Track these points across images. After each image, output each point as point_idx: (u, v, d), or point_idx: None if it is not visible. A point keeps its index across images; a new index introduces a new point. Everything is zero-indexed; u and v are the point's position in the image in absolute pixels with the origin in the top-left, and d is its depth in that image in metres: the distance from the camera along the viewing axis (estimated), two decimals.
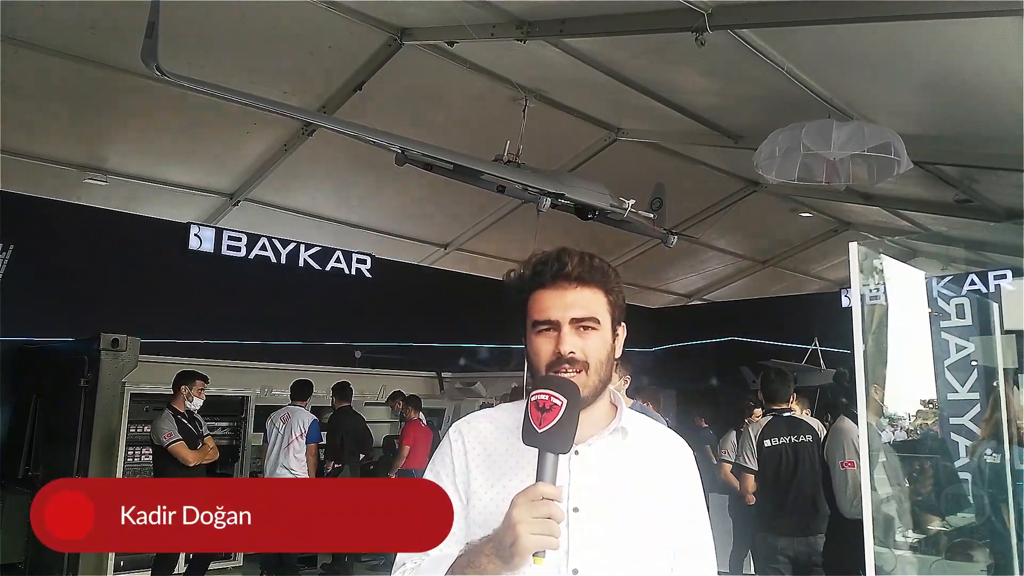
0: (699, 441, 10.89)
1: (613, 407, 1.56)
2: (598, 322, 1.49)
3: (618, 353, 1.54)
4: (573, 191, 6.51)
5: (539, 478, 1.32)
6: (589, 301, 1.49)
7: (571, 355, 1.44)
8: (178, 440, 6.12)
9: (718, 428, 9.87)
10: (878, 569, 2.12)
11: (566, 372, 1.44)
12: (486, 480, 1.48)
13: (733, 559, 7.06)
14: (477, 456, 1.51)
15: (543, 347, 1.47)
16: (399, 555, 1.47)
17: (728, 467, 6.32)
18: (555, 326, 1.46)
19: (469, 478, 1.49)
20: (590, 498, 1.41)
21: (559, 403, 1.35)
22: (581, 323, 1.47)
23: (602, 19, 5.61)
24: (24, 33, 5.79)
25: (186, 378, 6.44)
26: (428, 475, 1.54)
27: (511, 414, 1.55)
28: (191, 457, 6.14)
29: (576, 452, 1.45)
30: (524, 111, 6.71)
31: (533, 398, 1.36)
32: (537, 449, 1.35)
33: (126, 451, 7.43)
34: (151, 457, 6.74)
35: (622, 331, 1.56)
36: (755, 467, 4.99)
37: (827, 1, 4.83)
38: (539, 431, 1.34)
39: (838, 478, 4.25)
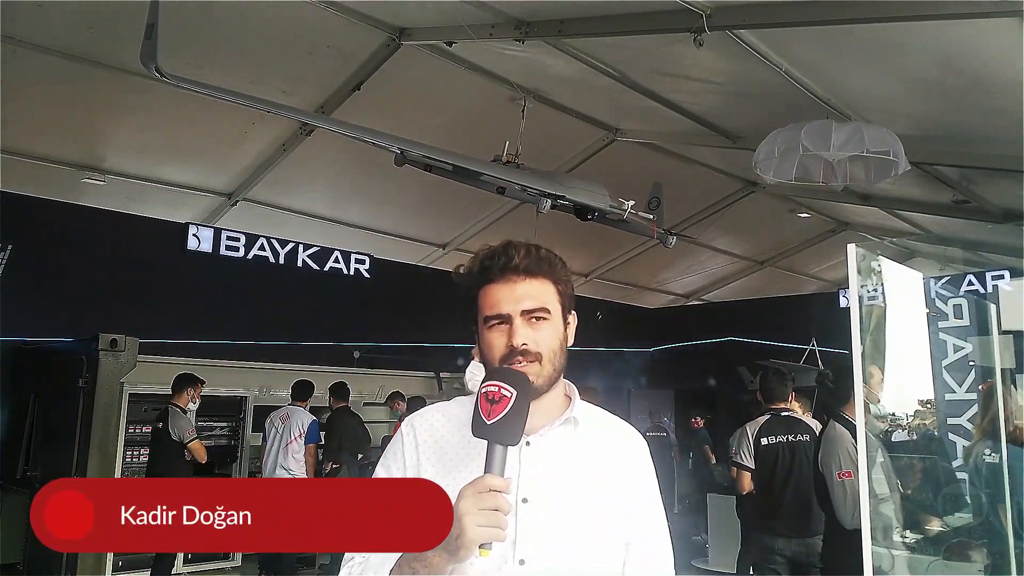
0: (697, 441, 10.93)
1: (567, 398, 1.57)
2: (549, 312, 1.50)
3: (570, 342, 1.55)
4: (573, 192, 6.51)
5: (487, 470, 1.33)
6: (539, 292, 1.50)
7: (524, 347, 1.46)
8: (197, 438, 6.55)
9: (721, 428, 9.90)
10: (876, 569, 2.12)
11: (519, 364, 1.44)
12: (437, 473, 1.47)
13: (740, 560, 7.06)
14: (428, 449, 1.52)
15: (496, 341, 1.48)
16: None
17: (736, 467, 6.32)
18: (506, 319, 1.48)
19: (420, 471, 1.49)
20: (539, 489, 1.42)
21: (508, 395, 1.35)
22: (532, 314, 1.48)
23: (601, 20, 5.61)
24: (22, 32, 5.78)
25: (191, 381, 6.79)
26: (379, 469, 1.55)
27: (464, 407, 1.55)
28: (204, 455, 6.58)
29: (527, 443, 1.46)
30: (523, 112, 6.71)
31: (483, 390, 1.37)
32: (487, 441, 1.35)
33: (124, 451, 7.44)
34: (152, 454, 6.86)
35: (573, 319, 1.57)
36: (752, 465, 4.99)
37: (826, 2, 4.84)
38: (488, 423, 1.34)
39: (836, 490, 4.10)
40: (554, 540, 1.41)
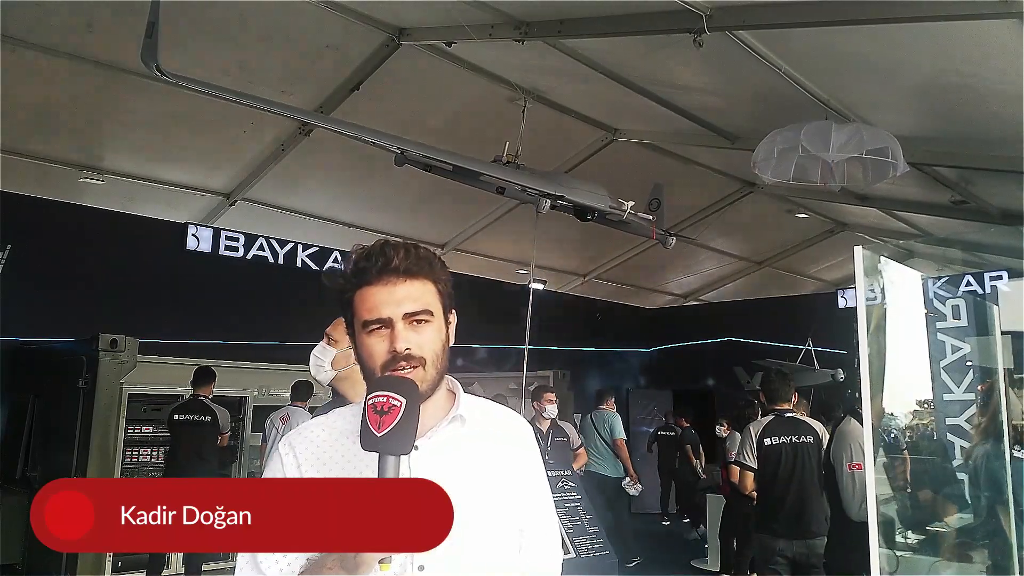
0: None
1: (451, 394, 1.52)
2: (431, 314, 1.44)
3: (451, 341, 1.50)
4: (573, 193, 6.51)
5: None
6: (421, 293, 1.43)
7: (407, 352, 1.39)
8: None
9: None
10: (880, 570, 2.12)
11: (403, 370, 1.39)
12: None
13: (738, 560, 7.07)
14: (311, 467, 1.44)
15: (376, 347, 1.41)
16: None
17: (737, 469, 6.32)
18: (387, 323, 1.40)
19: None
20: None
21: (398, 403, 1.30)
22: (414, 317, 1.42)
23: (600, 20, 5.61)
24: (21, 32, 5.78)
25: (212, 373, 7.29)
26: None
27: (346, 418, 1.51)
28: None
29: (416, 448, 1.40)
30: (524, 112, 6.71)
31: (370, 401, 1.31)
32: (378, 453, 1.30)
33: (124, 452, 7.43)
34: (193, 440, 7.11)
35: (453, 318, 1.51)
36: (755, 465, 5.00)
37: (825, 2, 4.84)
38: (378, 435, 1.28)
39: (844, 480, 4.21)
40: (452, 542, 1.32)
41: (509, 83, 6.87)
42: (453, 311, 1.51)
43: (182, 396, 7.96)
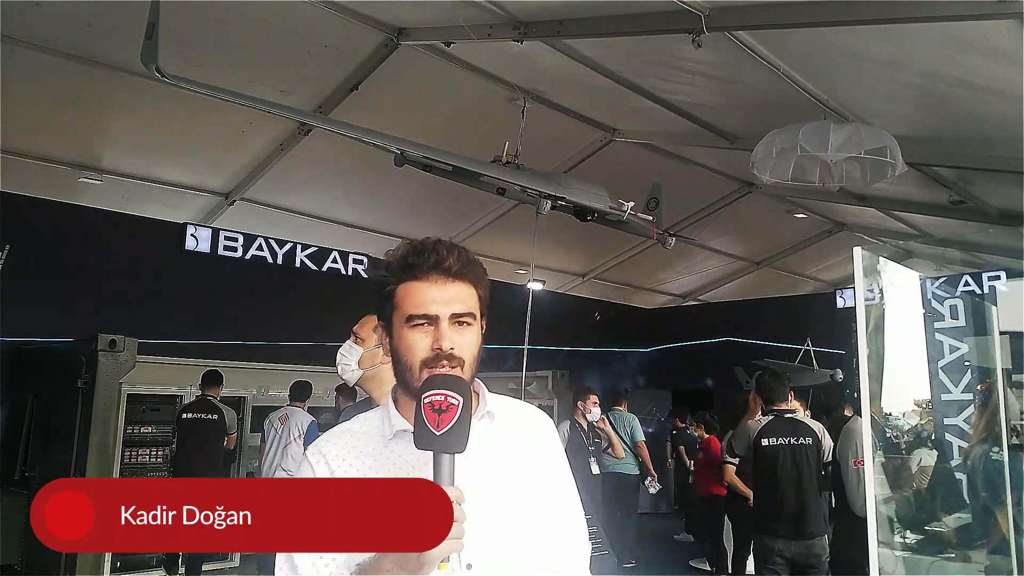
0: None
1: (476, 394, 1.52)
2: (474, 318, 1.45)
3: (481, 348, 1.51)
4: (573, 193, 6.51)
5: (438, 482, 1.28)
6: (467, 296, 1.45)
7: (450, 351, 1.40)
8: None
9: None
10: (880, 570, 2.13)
11: (443, 368, 1.39)
12: None
13: (735, 561, 7.08)
14: (345, 474, 1.44)
15: (419, 342, 1.41)
16: None
17: (732, 468, 6.33)
18: (433, 321, 1.41)
19: None
20: (472, 490, 1.34)
21: (456, 402, 1.30)
22: (459, 318, 1.43)
23: (599, 20, 5.62)
24: (19, 31, 5.78)
25: (220, 378, 7.62)
26: None
27: (370, 423, 1.51)
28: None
29: None
30: (523, 112, 6.71)
31: (427, 399, 1.30)
32: (432, 452, 1.30)
33: (123, 452, 7.44)
34: (200, 440, 7.48)
35: (484, 326, 1.52)
36: (736, 462, 5.02)
37: (823, 3, 4.84)
38: (437, 433, 1.28)
39: (850, 476, 4.29)
40: (497, 539, 1.38)
41: (508, 83, 6.88)
42: (486, 319, 1.52)
43: (181, 397, 8.00)
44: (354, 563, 1.36)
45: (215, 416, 7.47)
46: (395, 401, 1.52)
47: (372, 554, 1.32)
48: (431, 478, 1.29)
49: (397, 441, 1.46)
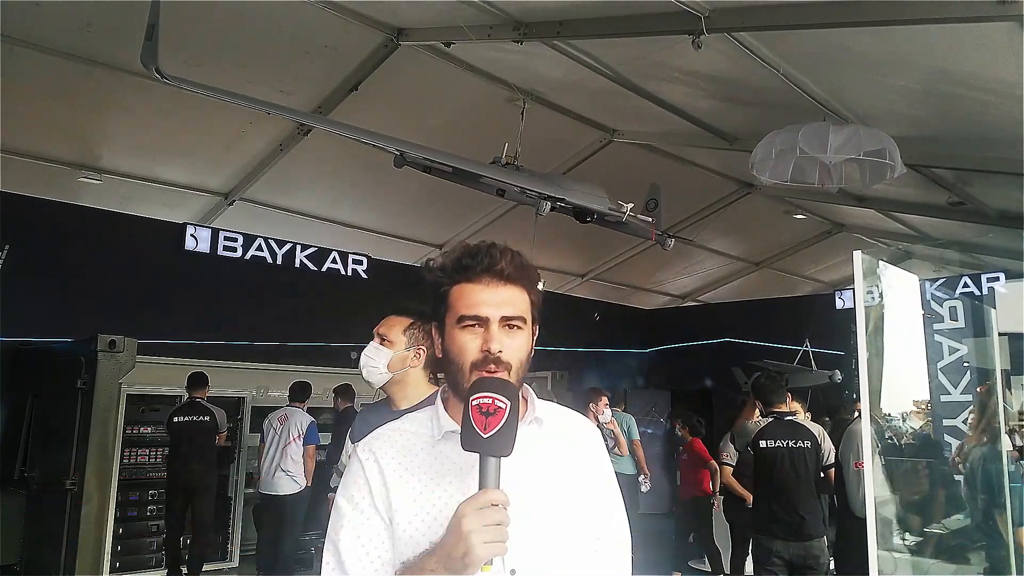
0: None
1: (525, 399, 1.53)
2: (524, 322, 1.46)
3: (532, 353, 1.51)
4: (572, 194, 6.52)
5: (483, 484, 1.29)
6: (518, 300, 1.46)
7: (499, 354, 1.41)
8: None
9: (717, 429, 9.90)
10: (879, 571, 2.14)
11: (491, 371, 1.40)
12: (408, 495, 1.42)
13: (733, 561, 7.09)
14: (394, 472, 1.45)
15: (469, 343, 1.42)
16: None
17: (729, 470, 6.34)
18: (483, 323, 1.42)
19: (389, 496, 1.42)
20: (518, 495, 1.35)
21: (504, 406, 1.31)
22: (510, 322, 1.44)
23: (599, 21, 5.61)
24: (19, 31, 5.77)
25: (206, 380, 7.77)
26: (341, 499, 1.47)
27: (419, 423, 1.53)
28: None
29: None
30: (523, 113, 6.72)
31: (475, 401, 1.32)
32: (478, 455, 1.31)
33: (123, 452, 7.44)
34: (194, 441, 7.65)
35: (536, 331, 1.53)
36: (733, 463, 5.04)
37: (823, 4, 4.85)
38: (484, 436, 1.29)
39: (851, 478, 4.33)
40: (540, 544, 1.39)
41: (508, 84, 6.88)
42: (538, 325, 1.52)
43: (180, 397, 8.00)
44: (399, 561, 1.38)
45: (207, 418, 7.63)
46: (444, 402, 1.53)
47: (418, 552, 1.35)
48: (477, 480, 1.31)
49: (445, 442, 1.46)
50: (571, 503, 1.46)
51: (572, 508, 1.46)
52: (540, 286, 1.54)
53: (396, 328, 2.61)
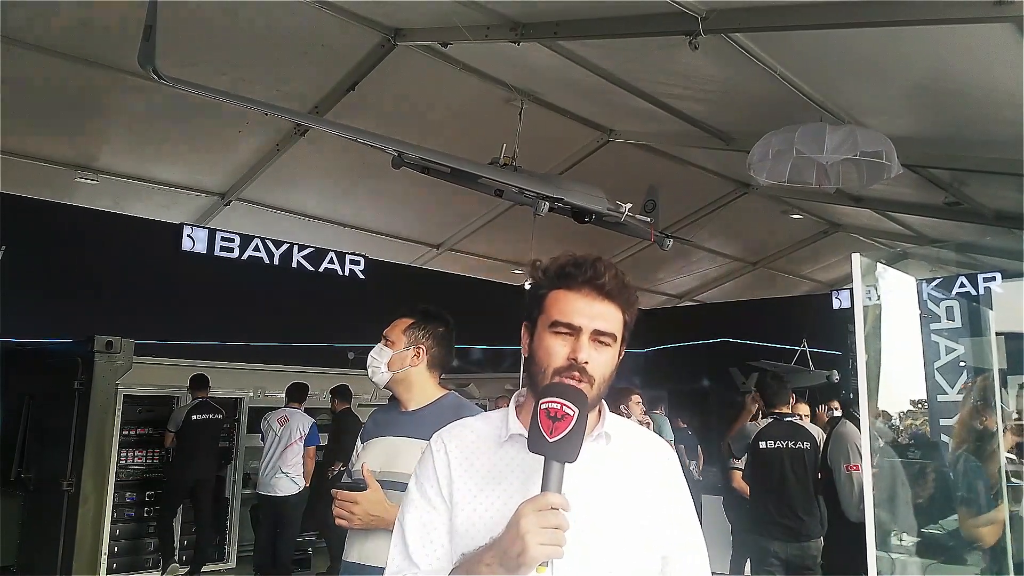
0: (676, 441, 10.95)
1: (598, 413, 1.55)
2: (615, 339, 1.49)
3: (615, 372, 1.53)
4: (571, 195, 6.52)
5: (545, 487, 1.31)
6: (612, 316, 1.48)
7: (584, 365, 1.43)
8: None
9: (715, 429, 9.92)
10: (877, 573, 2.14)
11: (573, 380, 1.42)
12: (469, 490, 1.46)
13: (733, 562, 7.09)
14: (460, 466, 1.49)
15: (558, 349, 1.45)
16: (387, 570, 1.47)
17: (739, 474, 6.32)
18: (575, 331, 1.45)
19: (453, 488, 1.47)
20: (575, 504, 1.37)
21: (572, 413, 1.33)
22: (601, 336, 1.46)
23: (597, 22, 5.61)
24: (15, 31, 5.75)
25: (207, 381, 7.86)
26: (412, 486, 1.52)
27: (491, 423, 1.55)
28: None
29: None
30: (520, 114, 6.71)
31: (544, 406, 1.34)
32: (543, 457, 1.33)
33: (119, 453, 7.44)
34: (206, 437, 7.89)
35: (623, 351, 1.55)
36: (741, 465, 5.04)
37: (820, 5, 4.85)
38: (550, 440, 1.32)
39: (843, 482, 4.32)
40: (590, 557, 1.40)
41: (505, 84, 6.87)
42: (626, 345, 1.54)
43: (177, 398, 8.01)
44: (459, 552, 1.42)
45: (219, 415, 7.91)
46: (517, 406, 1.55)
47: (474, 547, 1.38)
48: (537, 484, 1.34)
49: (511, 444, 1.49)
50: (628, 520, 1.46)
51: (629, 525, 1.46)
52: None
53: (397, 328, 2.67)
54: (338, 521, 2.37)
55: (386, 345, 2.65)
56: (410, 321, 2.67)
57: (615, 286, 1.48)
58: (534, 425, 1.34)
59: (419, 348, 2.63)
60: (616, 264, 1.52)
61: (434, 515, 1.47)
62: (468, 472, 1.48)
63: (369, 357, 2.67)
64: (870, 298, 2.80)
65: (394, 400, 2.71)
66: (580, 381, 1.42)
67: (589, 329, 1.45)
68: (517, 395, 1.58)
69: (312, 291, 9.33)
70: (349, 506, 2.34)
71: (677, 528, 1.54)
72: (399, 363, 2.62)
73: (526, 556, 1.25)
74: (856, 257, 2.28)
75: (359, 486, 2.36)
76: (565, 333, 1.45)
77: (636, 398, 6.44)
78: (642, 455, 1.58)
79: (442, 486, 1.48)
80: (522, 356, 1.56)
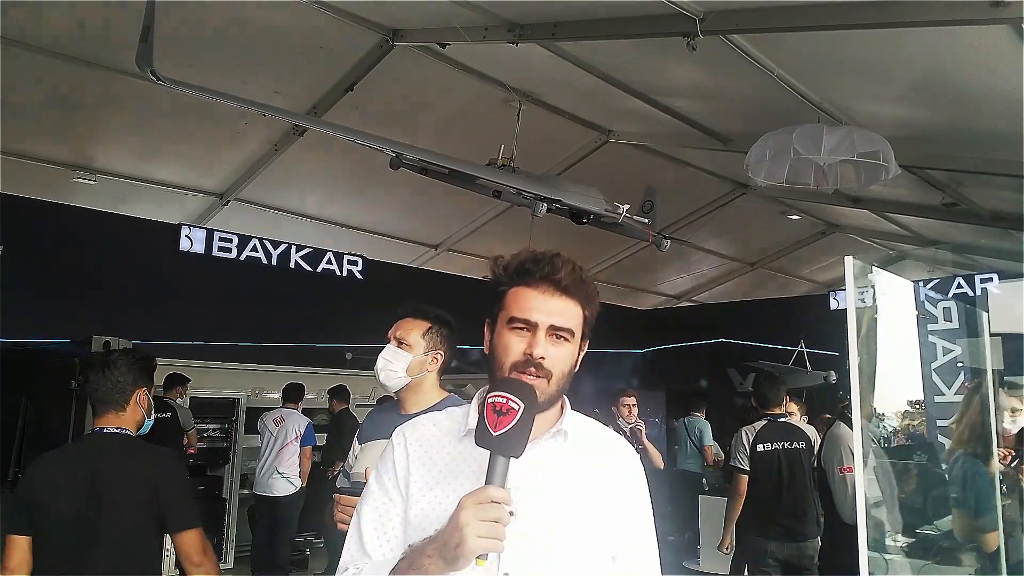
0: (671, 442, 10.95)
1: (560, 410, 1.55)
2: (572, 335, 1.49)
3: (576, 368, 1.54)
4: (569, 196, 6.53)
5: (488, 481, 1.32)
6: (570, 312, 1.49)
7: (540, 360, 1.44)
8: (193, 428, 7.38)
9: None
10: (870, 574, 2.15)
11: (530, 376, 1.43)
12: (425, 483, 1.48)
13: (734, 562, 7.08)
14: (418, 459, 1.51)
15: (514, 345, 1.46)
16: (342, 559, 1.49)
17: (745, 479, 6.29)
18: (532, 328, 1.46)
19: (409, 481, 1.49)
20: (526, 501, 1.39)
21: (516, 407, 1.34)
22: (558, 331, 1.47)
23: (594, 23, 5.62)
24: (12, 31, 5.76)
25: (181, 380, 7.50)
26: (372, 477, 1.54)
27: (455, 419, 1.57)
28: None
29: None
30: (518, 114, 6.72)
31: (490, 400, 1.36)
32: (488, 451, 1.34)
33: None
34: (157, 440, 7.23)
35: (585, 347, 1.55)
36: (747, 467, 5.03)
37: (818, 6, 4.86)
38: (494, 434, 1.33)
39: (837, 484, 4.35)
40: (538, 553, 1.40)
41: (503, 85, 6.88)
42: (587, 340, 1.55)
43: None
44: (406, 544, 1.44)
45: (168, 415, 7.40)
46: (479, 402, 1.54)
47: (422, 539, 1.39)
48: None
49: (468, 439, 1.49)
50: (580, 518, 1.47)
51: (581, 523, 1.46)
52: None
53: (415, 332, 2.59)
54: (340, 525, 2.36)
55: (401, 348, 2.57)
56: (427, 325, 2.61)
57: (572, 282, 1.49)
58: (481, 419, 1.36)
59: (437, 354, 2.59)
60: (574, 260, 1.53)
61: (390, 507, 1.49)
62: (426, 465, 1.50)
63: (381, 360, 2.57)
64: (864, 301, 2.81)
65: (389, 400, 2.69)
66: (537, 377, 1.43)
67: (546, 325, 1.45)
68: (480, 391, 1.58)
69: (310, 291, 9.33)
70: (351, 510, 2.33)
71: (630, 527, 1.55)
72: (418, 368, 2.57)
73: (464, 548, 1.26)
74: (849, 260, 2.29)
75: (360, 490, 2.36)
76: (522, 329, 1.46)
77: (626, 400, 6.20)
78: (601, 453, 1.58)
79: (399, 478, 1.50)
80: (485, 352, 1.56)
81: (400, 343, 2.58)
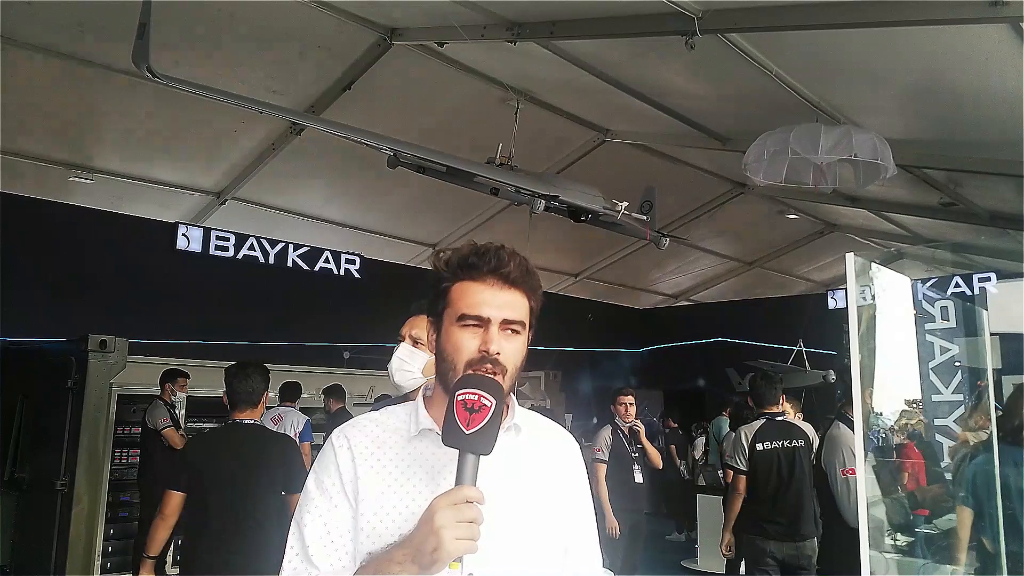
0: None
1: (506, 405, 1.49)
2: (524, 327, 1.46)
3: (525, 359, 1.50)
4: (567, 194, 6.52)
5: (460, 481, 1.27)
6: (520, 304, 1.45)
7: (496, 356, 1.39)
8: (170, 426, 6.71)
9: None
10: (871, 572, 2.14)
11: (487, 372, 1.39)
12: (376, 487, 1.40)
13: (731, 563, 7.08)
14: (365, 462, 1.42)
15: (467, 342, 1.40)
16: (282, 573, 1.40)
17: (743, 479, 6.28)
18: (484, 323, 1.41)
19: (358, 485, 1.40)
20: (497, 499, 1.34)
21: (489, 404, 1.30)
22: (510, 326, 1.43)
23: (592, 22, 5.61)
24: (10, 31, 5.74)
25: (172, 375, 7.07)
26: (311, 483, 1.45)
27: (397, 417, 1.51)
28: (179, 442, 6.62)
29: None
30: (516, 113, 6.71)
31: (460, 397, 1.31)
32: (457, 451, 1.30)
33: (113, 453, 7.40)
34: (140, 445, 7.09)
35: (531, 338, 1.51)
36: (746, 468, 5.02)
37: (816, 5, 4.86)
38: (467, 432, 1.28)
39: (839, 487, 4.33)
40: (502, 551, 1.37)
41: (501, 84, 6.87)
42: (534, 331, 1.51)
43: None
44: (365, 552, 1.37)
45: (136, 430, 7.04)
46: (426, 400, 1.51)
47: (385, 545, 1.34)
48: (452, 478, 1.30)
49: (421, 439, 1.45)
50: (538, 513, 1.45)
51: (539, 518, 1.45)
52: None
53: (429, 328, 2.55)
54: None
55: (417, 347, 2.46)
56: None
57: (520, 274, 1.45)
58: (449, 418, 1.30)
59: None
60: (520, 251, 1.49)
61: (336, 514, 1.40)
62: (374, 468, 1.42)
63: (396, 359, 2.48)
64: (864, 298, 2.80)
65: (389, 400, 2.66)
66: (494, 373, 1.39)
67: (498, 320, 1.41)
68: (424, 388, 1.55)
69: (307, 290, 9.32)
70: None
71: (578, 518, 1.54)
72: (432, 369, 2.54)
73: (441, 552, 1.22)
74: (850, 257, 2.27)
75: None
76: (474, 325, 1.41)
77: (623, 399, 6.13)
78: (549, 445, 1.57)
79: (345, 483, 1.41)
80: (431, 352, 1.52)
81: (416, 342, 2.48)
